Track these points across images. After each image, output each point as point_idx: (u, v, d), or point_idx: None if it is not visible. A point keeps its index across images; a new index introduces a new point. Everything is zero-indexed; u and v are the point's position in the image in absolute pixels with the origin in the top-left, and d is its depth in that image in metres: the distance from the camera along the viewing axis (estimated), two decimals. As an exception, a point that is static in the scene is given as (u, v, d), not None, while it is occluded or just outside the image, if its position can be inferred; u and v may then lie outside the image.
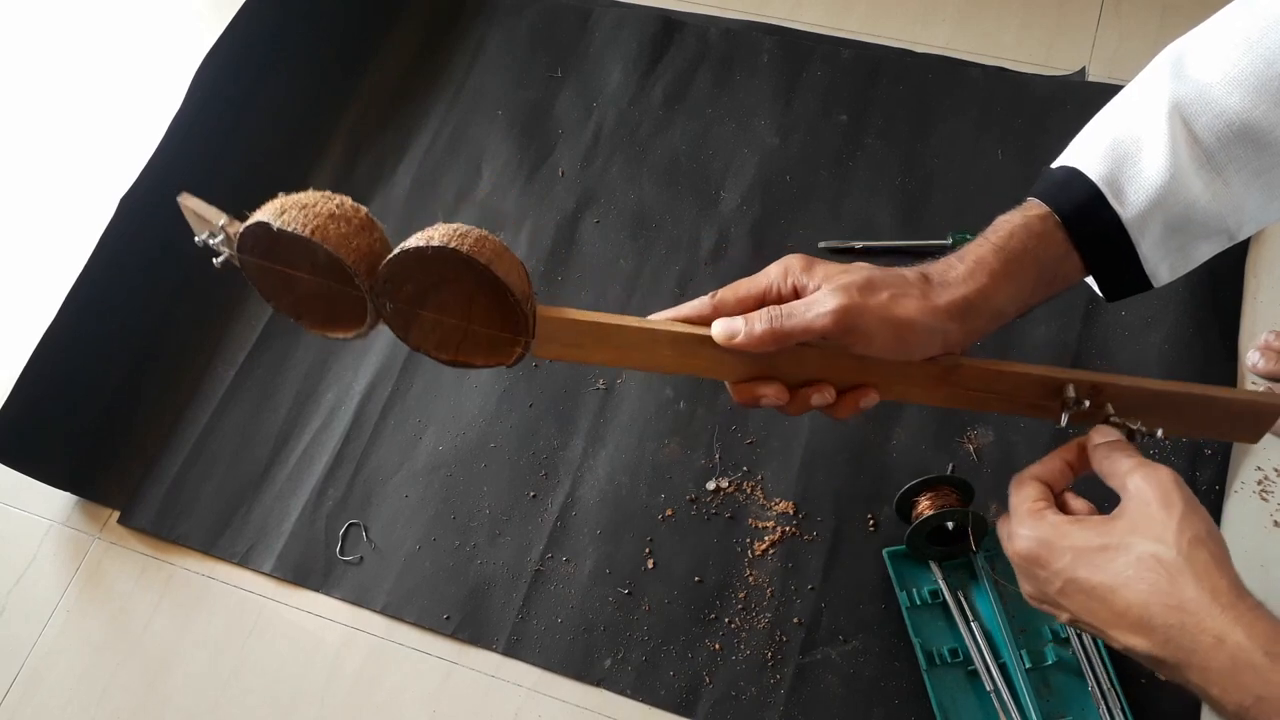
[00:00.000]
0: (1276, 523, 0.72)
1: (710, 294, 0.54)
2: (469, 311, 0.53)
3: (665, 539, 0.75)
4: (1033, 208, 0.53)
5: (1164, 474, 0.47)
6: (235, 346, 0.87)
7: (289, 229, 0.48)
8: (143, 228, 0.86)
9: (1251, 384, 0.76)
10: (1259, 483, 0.73)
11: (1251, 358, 0.76)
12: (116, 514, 0.81)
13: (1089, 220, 0.52)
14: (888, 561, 0.71)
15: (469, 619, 0.74)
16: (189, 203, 0.56)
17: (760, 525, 0.75)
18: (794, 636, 0.71)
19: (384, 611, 0.75)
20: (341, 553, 0.77)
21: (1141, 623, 0.44)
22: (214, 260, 0.54)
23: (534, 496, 0.78)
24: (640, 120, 0.94)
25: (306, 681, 0.73)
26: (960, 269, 0.52)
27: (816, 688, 0.69)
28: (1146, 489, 0.47)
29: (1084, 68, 0.92)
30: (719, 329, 0.52)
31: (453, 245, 0.47)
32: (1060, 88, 0.90)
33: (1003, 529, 0.52)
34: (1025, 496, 0.52)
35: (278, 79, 0.97)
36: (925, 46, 0.95)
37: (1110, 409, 0.55)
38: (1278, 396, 0.56)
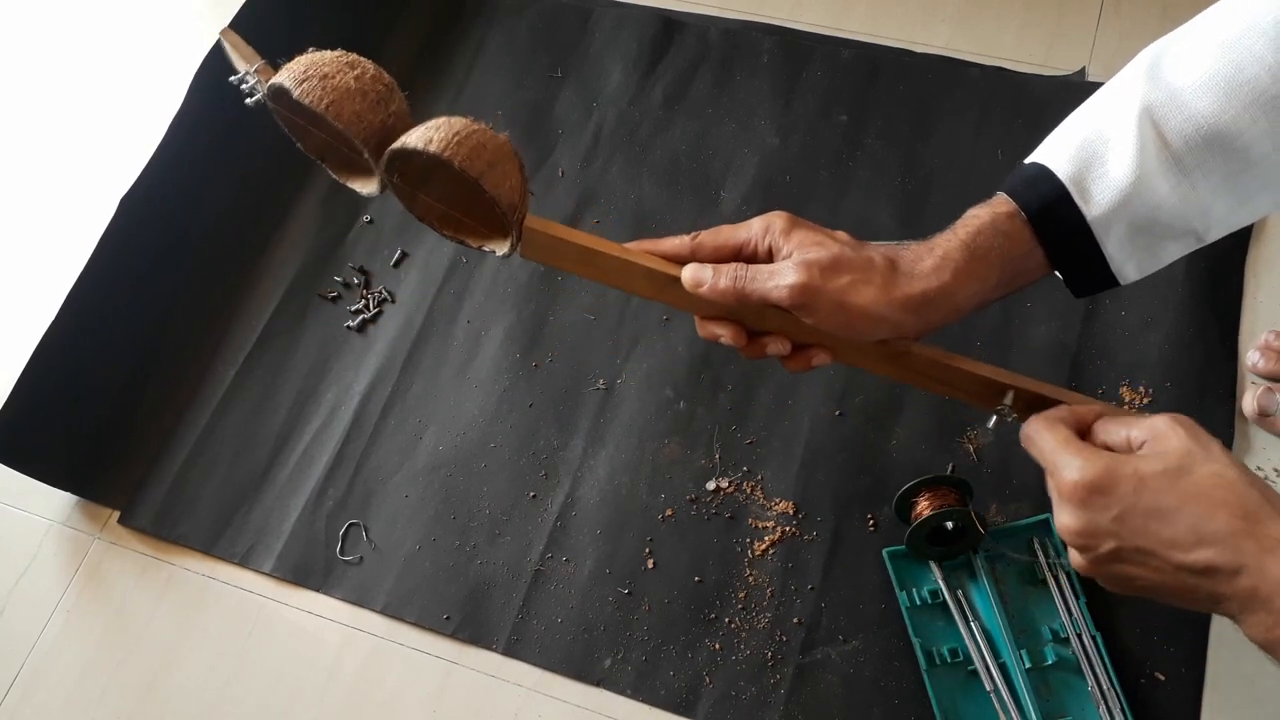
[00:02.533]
0: (1276, 523, 0.72)
1: (691, 234, 0.57)
2: (465, 206, 0.55)
3: (665, 539, 0.75)
4: (1001, 204, 0.54)
5: (1183, 417, 0.49)
6: (235, 346, 0.87)
7: (305, 101, 0.48)
8: (143, 228, 0.87)
9: (1252, 384, 0.76)
10: (1259, 483, 0.73)
11: (1251, 358, 0.76)
12: (116, 514, 0.81)
13: (1055, 219, 0.53)
14: (888, 561, 0.71)
15: (469, 619, 0.74)
16: (230, 38, 0.58)
17: (760, 525, 0.75)
18: (794, 636, 0.71)
19: (384, 611, 0.75)
20: (341, 553, 0.77)
21: (1208, 535, 0.45)
22: (246, 100, 0.55)
23: (534, 496, 0.78)
24: (640, 120, 0.94)
25: (306, 681, 0.74)
26: (928, 262, 0.53)
27: (816, 688, 0.69)
28: (1179, 423, 0.48)
29: (1084, 68, 0.92)
30: (688, 274, 0.55)
31: (446, 154, 0.48)
32: (1060, 88, 0.90)
33: (1049, 460, 0.51)
34: (1060, 435, 0.51)
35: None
36: (925, 46, 0.95)
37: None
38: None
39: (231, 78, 0.56)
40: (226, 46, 0.58)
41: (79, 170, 1.01)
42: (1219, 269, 0.80)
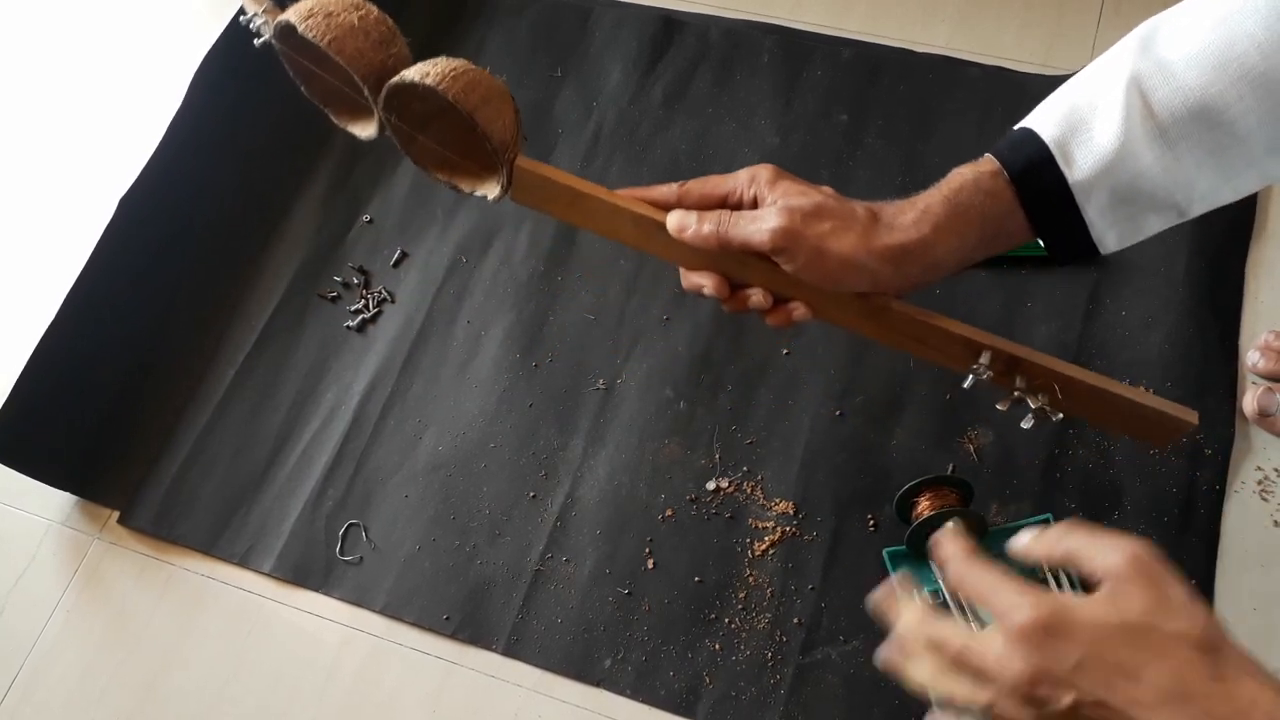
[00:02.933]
0: (1276, 523, 0.72)
1: (679, 183, 0.57)
2: (461, 148, 0.56)
3: (665, 539, 0.75)
4: (986, 164, 0.54)
5: (1144, 550, 0.44)
6: (235, 346, 0.87)
7: (308, 35, 0.51)
8: (142, 227, 0.87)
9: (1252, 384, 0.76)
10: (1259, 483, 0.73)
11: (1251, 358, 0.76)
12: (116, 514, 0.81)
13: (1037, 181, 0.53)
14: (888, 561, 0.71)
15: (469, 619, 0.74)
16: None
17: (760, 525, 0.75)
18: (794, 636, 0.71)
19: (384, 611, 0.75)
20: (341, 553, 0.77)
21: (1174, 695, 0.41)
22: (254, 41, 0.58)
23: (534, 496, 0.78)
24: (640, 120, 0.94)
25: (306, 681, 0.73)
26: (909, 216, 0.54)
27: (816, 688, 0.69)
28: (1138, 568, 0.43)
29: (1084, 68, 0.91)
30: (672, 220, 0.56)
31: (441, 87, 0.50)
32: (1060, 88, 0.90)
33: (988, 596, 0.46)
34: (996, 576, 0.46)
35: (277, 79, 0.96)
36: (925, 46, 0.95)
37: (1019, 382, 0.57)
38: (1191, 413, 0.57)
39: (241, 17, 0.58)
40: None
41: (79, 170, 1.01)
42: (1219, 269, 0.80)
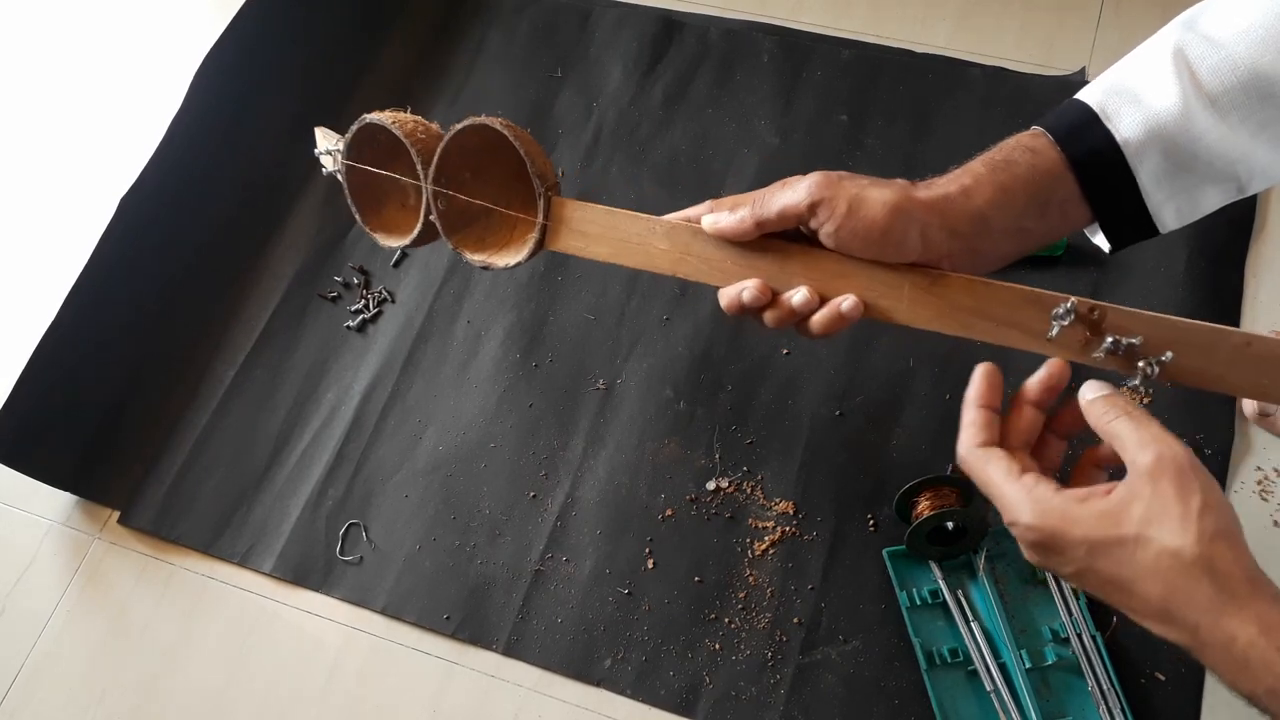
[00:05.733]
0: (1276, 523, 0.72)
1: (710, 200, 0.59)
2: (500, 194, 0.64)
3: (665, 539, 0.75)
4: (1030, 131, 0.53)
5: (1180, 453, 0.44)
6: (235, 346, 0.87)
7: (382, 122, 0.64)
8: (142, 228, 0.86)
9: (1251, 384, 0.76)
10: (1259, 483, 0.73)
11: (1252, 358, 0.76)
12: (116, 514, 0.81)
13: (1082, 139, 0.51)
14: (888, 561, 0.71)
15: (469, 619, 0.74)
16: (320, 131, 0.75)
17: (760, 525, 0.75)
18: (794, 636, 0.71)
19: (384, 611, 0.75)
20: (341, 553, 0.77)
21: (1162, 614, 0.43)
22: (323, 171, 0.72)
23: (534, 496, 0.78)
24: (640, 120, 0.94)
25: (306, 681, 0.73)
26: (946, 176, 0.53)
27: (816, 688, 0.69)
28: (1161, 471, 0.44)
29: (1084, 68, 0.92)
30: (707, 219, 0.56)
31: (495, 124, 0.60)
32: (1060, 88, 0.90)
33: (995, 494, 0.49)
34: (999, 471, 0.48)
35: (278, 79, 0.97)
36: (925, 46, 0.95)
37: (1111, 342, 0.51)
38: None
39: (315, 150, 0.72)
40: (316, 133, 0.75)
41: (79, 170, 1.01)
42: (1219, 269, 0.80)
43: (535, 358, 0.83)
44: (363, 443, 0.81)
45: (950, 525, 0.67)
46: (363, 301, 0.88)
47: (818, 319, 0.55)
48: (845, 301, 0.54)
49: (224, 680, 0.74)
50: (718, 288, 0.58)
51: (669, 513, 0.76)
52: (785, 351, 0.81)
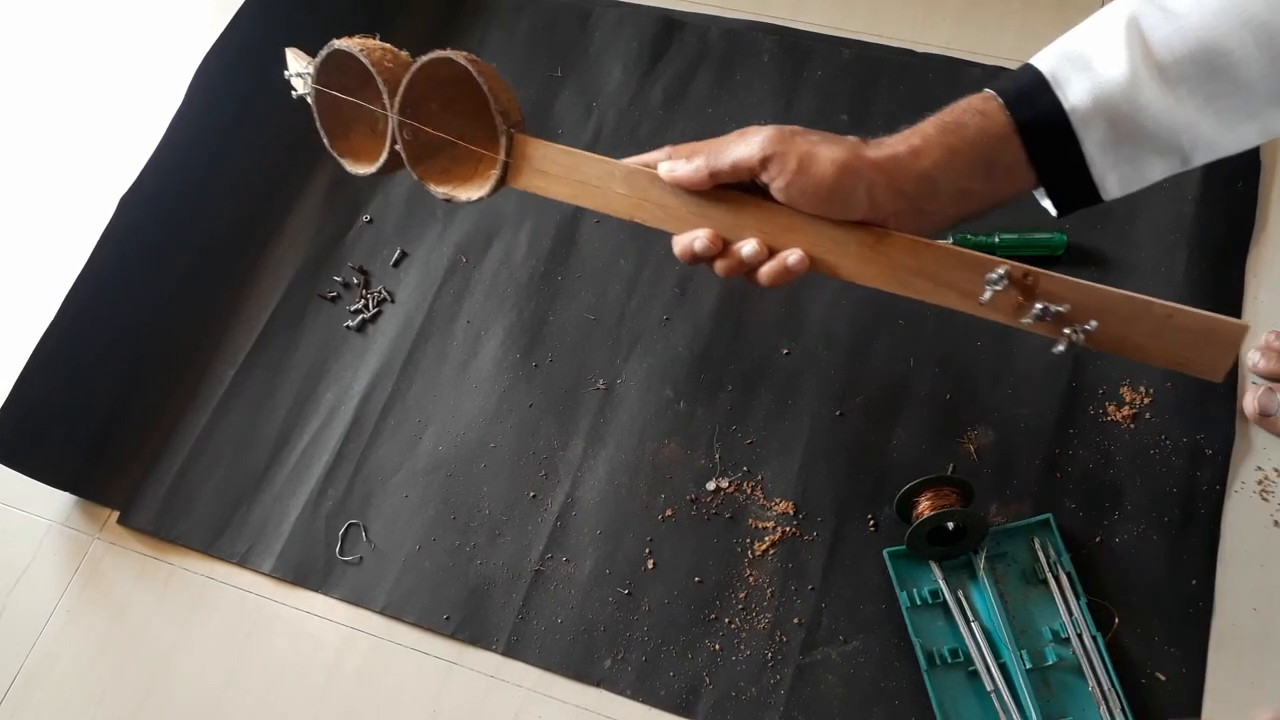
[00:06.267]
0: (1276, 523, 0.72)
1: (669, 146, 0.60)
2: (468, 128, 0.64)
3: (665, 539, 0.75)
4: (980, 93, 0.54)
5: None
6: (235, 346, 0.87)
7: (350, 50, 0.65)
8: (142, 227, 0.86)
9: (1252, 384, 0.76)
10: (1259, 483, 0.73)
11: (1251, 358, 0.76)
12: (116, 514, 0.81)
13: (1031, 104, 0.52)
14: (888, 561, 0.71)
15: (469, 619, 0.74)
16: (291, 53, 0.75)
17: (760, 525, 0.75)
18: (794, 636, 0.71)
19: (384, 611, 0.75)
20: (341, 553, 0.77)
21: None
22: (293, 94, 0.73)
23: (534, 496, 0.78)
24: (640, 120, 0.94)
25: (306, 681, 0.73)
26: (896, 136, 0.54)
27: (816, 688, 0.69)
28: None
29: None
30: (664, 166, 0.57)
31: (459, 58, 0.60)
32: (1060, 88, 0.90)
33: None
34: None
35: (278, 79, 0.96)
36: (926, 46, 0.95)
37: (1040, 306, 0.53)
38: (1241, 323, 0.51)
39: (285, 72, 0.72)
40: (288, 54, 0.75)
41: (79, 170, 1.01)
42: (1219, 269, 0.80)
43: (535, 358, 0.83)
44: (362, 443, 0.81)
45: (950, 525, 0.67)
46: (362, 301, 0.88)
47: (765, 270, 0.57)
48: (792, 255, 0.56)
49: (223, 680, 0.74)
50: (672, 235, 0.60)
51: (669, 513, 0.76)
52: (785, 351, 0.81)
